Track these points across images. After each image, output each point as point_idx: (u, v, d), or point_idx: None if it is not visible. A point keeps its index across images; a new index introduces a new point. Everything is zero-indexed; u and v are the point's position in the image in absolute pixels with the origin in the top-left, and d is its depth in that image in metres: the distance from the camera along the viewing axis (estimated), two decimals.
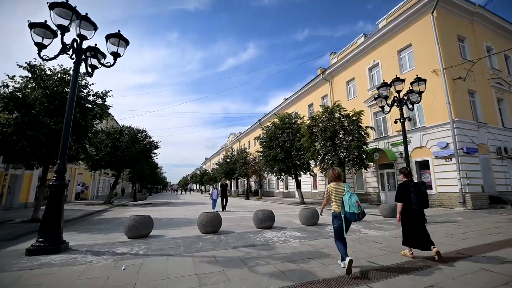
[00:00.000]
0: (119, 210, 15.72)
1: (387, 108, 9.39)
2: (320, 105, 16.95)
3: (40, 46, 5.53)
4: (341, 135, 15.13)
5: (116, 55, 6.16)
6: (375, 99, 9.62)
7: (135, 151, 19.66)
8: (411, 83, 8.54)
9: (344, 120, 15.16)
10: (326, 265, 4.01)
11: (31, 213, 11.63)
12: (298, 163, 18.66)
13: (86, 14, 5.79)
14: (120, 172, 21.73)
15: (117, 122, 35.76)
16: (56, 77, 9.86)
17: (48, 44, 5.66)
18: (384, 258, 4.37)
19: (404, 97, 8.82)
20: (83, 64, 6.15)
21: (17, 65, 9.36)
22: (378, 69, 17.11)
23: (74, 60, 5.84)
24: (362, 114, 14.94)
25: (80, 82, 10.44)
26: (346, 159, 14.46)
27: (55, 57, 5.71)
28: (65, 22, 5.25)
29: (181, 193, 64.56)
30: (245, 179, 35.20)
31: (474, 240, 5.69)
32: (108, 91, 11.22)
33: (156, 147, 23.29)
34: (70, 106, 5.69)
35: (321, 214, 4.72)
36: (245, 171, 32.02)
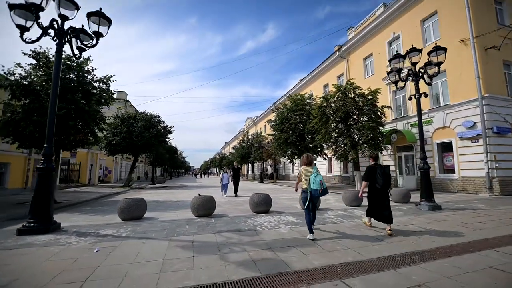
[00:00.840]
0: (134, 192, 16.38)
1: (401, 84, 8.42)
2: (332, 85, 15.87)
3: (22, 29, 5.43)
4: (355, 116, 14.19)
5: (98, 34, 5.95)
6: (388, 73, 8.65)
7: (148, 136, 20.13)
8: (429, 53, 7.48)
9: (358, 100, 14.11)
10: (306, 255, 3.66)
11: (61, 196, 12.45)
12: (311, 146, 18.03)
13: None
14: (137, 157, 22.52)
15: (136, 109, 36.78)
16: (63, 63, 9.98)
17: (31, 26, 5.55)
18: (374, 249, 3.91)
19: (421, 70, 7.81)
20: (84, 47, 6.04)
21: (22, 52, 9.59)
22: (399, 42, 15.47)
23: (57, 41, 5.71)
24: (379, 92, 13.75)
25: (83, 67, 10.54)
26: (360, 141, 13.60)
27: (38, 39, 5.60)
28: (37, 0, 5.04)
29: (200, 176, 66.48)
30: (260, 163, 35.26)
31: (491, 231, 4.99)
32: (111, 76, 11.25)
33: (170, 132, 23.70)
34: (54, 90, 5.64)
35: (295, 191, 5.26)
36: (260, 155, 31.92)
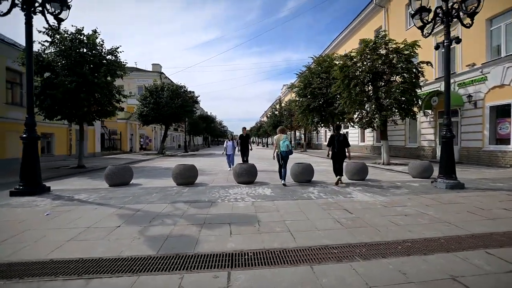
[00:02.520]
0: (160, 159, 17.60)
1: (427, 30, 6.53)
2: (360, 40, 13.45)
3: None
4: (385, 76, 12.06)
5: (62, 2, 5.78)
6: (412, 16, 6.75)
7: (174, 106, 20.87)
8: None
9: (392, 56, 11.80)
10: (230, 235, 3.23)
11: (96, 162, 14.16)
12: (336, 112, 16.37)
13: None
14: (167, 126, 23.79)
15: (171, 81, 38.23)
16: (69, 37, 10.41)
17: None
18: (317, 235, 3.26)
19: (454, 6, 5.83)
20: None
21: (37, 30, 10.18)
22: None
23: (25, 12, 5.72)
24: (417, 46, 11.21)
25: (94, 40, 10.84)
26: (389, 107, 11.67)
27: (8, 11, 5.69)
28: None
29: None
30: (292, 132, 34.22)
31: (509, 222, 3.77)
32: (118, 47, 11.43)
33: (196, 102, 24.22)
34: (29, 63, 5.79)
35: (274, 157, 6.90)
36: (290, 123, 30.81)
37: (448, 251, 2.81)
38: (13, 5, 5.64)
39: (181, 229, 3.47)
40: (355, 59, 12.62)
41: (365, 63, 12.23)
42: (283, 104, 36.84)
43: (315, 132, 21.46)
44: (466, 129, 11.32)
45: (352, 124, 16.83)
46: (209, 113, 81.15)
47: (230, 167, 10.56)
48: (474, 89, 10.81)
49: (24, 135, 5.61)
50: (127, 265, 2.48)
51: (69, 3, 5.88)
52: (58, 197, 5.36)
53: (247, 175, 6.67)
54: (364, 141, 21.08)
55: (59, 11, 5.88)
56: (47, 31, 10.20)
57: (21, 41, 12.87)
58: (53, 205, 4.76)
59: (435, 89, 12.78)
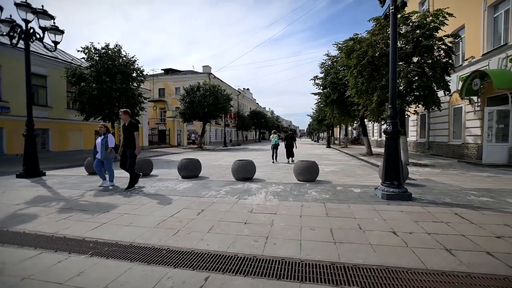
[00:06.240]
0: (191, 153, 19.43)
1: None
2: (372, 19, 11.33)
3: (10, 37, 7.58)
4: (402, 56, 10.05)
5: (44, 29, 7.39)
6: None
7: (206, 104, 22.56)
8: None
9: (416, 33, 9.69)
10: (56, 221, 3.72)
11: (145, 154, 16.93)
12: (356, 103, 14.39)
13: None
14: (205, 123, 25.76)
15: (221, 81, 40.80)
16: (100, 53, 12.86)
17: (9, 33, 7.59)
18: (114, 230, 3.45)
19: None
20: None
21: (76, 50, 13.01)
22: None
23: (24, 41, 7.60)
24: (445, 15, 8.86)
25: (120, 54, 13.09)
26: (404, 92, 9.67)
27: (17, 43, 7.69)
28: None
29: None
30: (342, 126, 31.50)
31: (346, 249, 2.99)
32: (133, 56, 13.39)
33: (229, 99, 25.41)
34: (27, 79, 7.67)
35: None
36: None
37: (115, 257, 2.57)
38: (19, 38, 7.59)
39: (45, 210, 4.20)
40: (367, 42, 10.88)
41: (380, 46, 10.43)
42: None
43: (336, 126, 19.33)
44: None
45: (363, 116, 14.44)
46: (267, 109, 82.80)
47: (104, 181, 6.22)
48: None
49: (25, 133, 7.56)
50: None
51: (55, 25, 7.47)
52: (37, 180, 7.02)
53: (185, 170, 7.02)
54: (408, 137, 17.76)
55: (41, 36, 7.52)
56: (83, 50, 12.89)
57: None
58: (24, 185, 6.34)
59: (482, 68, 9.78)
